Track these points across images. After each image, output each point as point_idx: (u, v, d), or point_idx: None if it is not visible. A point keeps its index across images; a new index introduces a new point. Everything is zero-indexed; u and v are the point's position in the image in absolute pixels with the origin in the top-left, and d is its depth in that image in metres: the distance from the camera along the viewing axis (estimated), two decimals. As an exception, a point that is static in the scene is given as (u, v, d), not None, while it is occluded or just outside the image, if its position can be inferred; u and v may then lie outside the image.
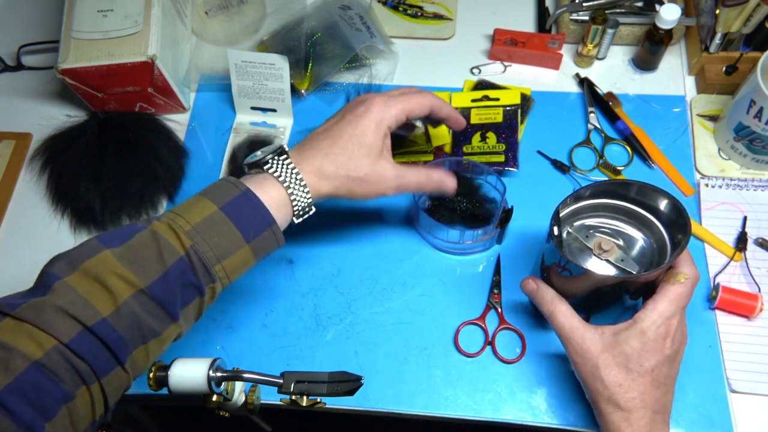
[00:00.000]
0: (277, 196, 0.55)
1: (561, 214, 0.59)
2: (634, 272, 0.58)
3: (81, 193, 0.77)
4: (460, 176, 0.68)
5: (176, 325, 0.50)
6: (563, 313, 0.57)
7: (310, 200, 0.56)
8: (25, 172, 0.85)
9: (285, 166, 0.55)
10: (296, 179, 0.55)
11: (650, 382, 0.53)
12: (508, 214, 0.69)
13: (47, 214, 0.81)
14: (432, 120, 0.67)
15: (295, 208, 0.56)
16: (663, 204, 0.58)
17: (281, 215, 0.55)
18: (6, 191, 0.83)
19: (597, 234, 0.61)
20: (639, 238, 0.61)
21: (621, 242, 0.60)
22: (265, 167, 0.55)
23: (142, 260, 0.48)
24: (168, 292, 0.49)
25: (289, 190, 0.55)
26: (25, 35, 0.94)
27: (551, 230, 0.58)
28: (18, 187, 0.84)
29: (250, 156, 0.57)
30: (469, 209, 0.72)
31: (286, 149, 0.57)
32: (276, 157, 0.56)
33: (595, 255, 0.59)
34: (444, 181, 0.64)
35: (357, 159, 0.57)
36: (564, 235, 0.61)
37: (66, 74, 0.76)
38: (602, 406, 0.54)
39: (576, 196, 0.59)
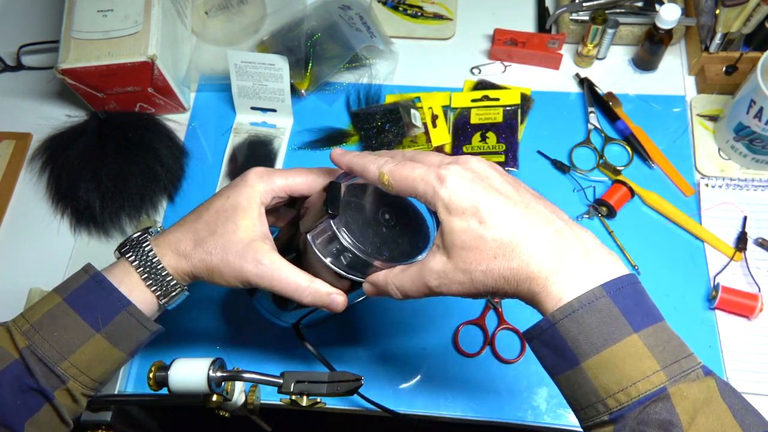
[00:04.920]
0: (130, 279, 0.49)
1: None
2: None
3: (81, 193, 0.77)
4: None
5: None
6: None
7: (173, 281, 0.50)
8: (25, 172, 0.85)
9: (139, 246, 0.50)
10: (147, 258, 0.49)
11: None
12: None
13: (47, 214, 0.81)
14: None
15: (155, 291, 0.50)
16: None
17: (144, 300, 0.50)
18: (6, 191, 0.83)
19: None
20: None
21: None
22: (122, 250, 0.50)
23: None
24: None
25: (140, 269, 0.49)
26: (25, 35, 0.94)
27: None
28: (18, 187, 0.84)
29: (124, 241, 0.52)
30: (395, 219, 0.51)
31: (151, 231, 0.52)
32: (135, 239, 0.51)
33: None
34: (333, 300, 0.50)
35: (220, 236, 0.48)
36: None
37: (66, 74, 0.76)
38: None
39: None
